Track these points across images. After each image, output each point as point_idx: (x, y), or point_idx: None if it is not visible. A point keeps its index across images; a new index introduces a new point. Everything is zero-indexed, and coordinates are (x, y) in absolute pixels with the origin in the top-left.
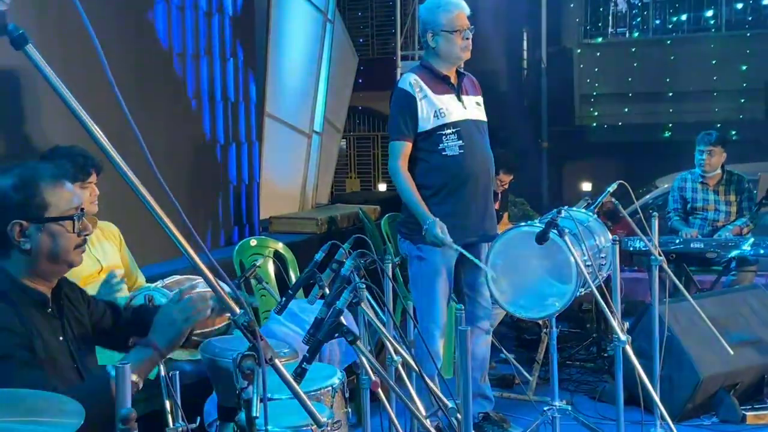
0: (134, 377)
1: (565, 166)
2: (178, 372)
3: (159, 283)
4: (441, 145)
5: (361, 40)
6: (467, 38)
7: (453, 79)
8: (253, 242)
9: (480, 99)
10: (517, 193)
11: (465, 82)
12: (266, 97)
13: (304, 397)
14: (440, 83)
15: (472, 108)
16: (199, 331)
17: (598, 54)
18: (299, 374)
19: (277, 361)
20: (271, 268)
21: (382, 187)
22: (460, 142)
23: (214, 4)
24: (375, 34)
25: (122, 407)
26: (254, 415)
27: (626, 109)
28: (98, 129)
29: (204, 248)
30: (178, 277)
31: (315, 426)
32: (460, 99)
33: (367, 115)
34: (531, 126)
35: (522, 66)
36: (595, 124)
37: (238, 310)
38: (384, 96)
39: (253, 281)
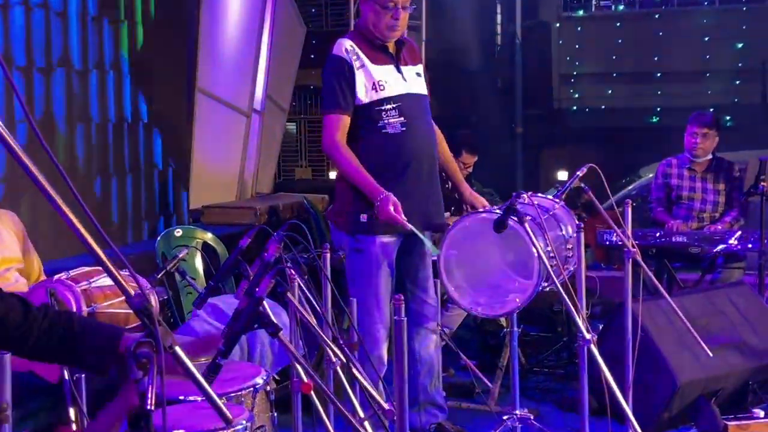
0: None
1: (541, 154)
2: (84, 375)
3: (63, 275)
4: (381, 122)
5: (313, 10)
6: (396, 18)
7: (391, 48)
8: (179, 232)
9: (420, 69)
10: (486, 182)
11: (404, 51)
12: (198, 70)
13: (209, 389)
14: (378, 52)
15: (412, 80)
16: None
17: (580, 29)
18: (212, 370)
19: (178, 348)
20: (199, 261)
21: (335, 175)
22: (402, 118)
23: None
24: (329, 4)
25: None
26: (149, 408)
27: (610, 91)
28: None
29: (104, 236)
30: (86, 268)
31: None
32: (399, 70)
33: (321, 95)
34: (504, 109)
35: (495, 42)
36: (575, 107)
37: (132, 292)
38: None
39: (176, 276)
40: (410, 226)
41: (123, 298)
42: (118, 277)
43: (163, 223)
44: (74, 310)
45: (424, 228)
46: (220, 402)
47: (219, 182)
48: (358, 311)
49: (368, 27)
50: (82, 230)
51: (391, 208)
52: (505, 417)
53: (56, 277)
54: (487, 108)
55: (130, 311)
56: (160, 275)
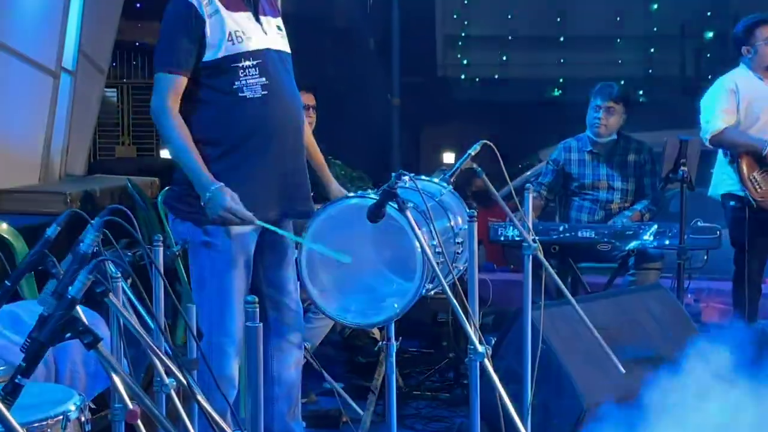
0: None
1: (422, 132)
2: None
3: None
4: (237, 83)
5: None
6: None
7: None
8: None
9: (281, 23)
10: (356, 164)
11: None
12: None
13: (9, 417)
14: None
15: (273, 34)
16: None
17: None
18: (10, 392)
19: None
20: None
21: (167, 153)
22: (263, 79)
23: None
24: None
25: None
26: None
27: (504, 57)
28: None
29: None
30: None
31: None
32: (258, 20)
33: (149, 54)
34: (377, 76)
35: None
36: (463, 76)
37: None
38: None
39: None
40: (261, 223)
41: None
42: None
43: None
44: None
45: (287, 216)
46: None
47: (17, 160)
48: (204, 321)
49: None
50: None
51: (229, 201)
52: None
53: None
54: (357, 74)
55: None
56: None
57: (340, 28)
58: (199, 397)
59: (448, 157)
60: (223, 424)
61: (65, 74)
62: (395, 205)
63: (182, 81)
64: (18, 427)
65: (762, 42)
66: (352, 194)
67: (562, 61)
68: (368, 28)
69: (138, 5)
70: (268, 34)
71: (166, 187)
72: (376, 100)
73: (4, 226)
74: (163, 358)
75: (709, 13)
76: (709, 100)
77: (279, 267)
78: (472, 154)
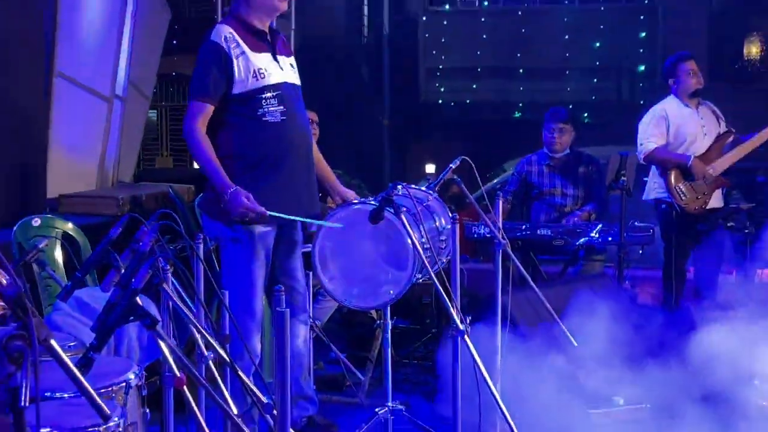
0: None
1: (408, 147)
2: None
3: None
4: (261, 110)
5: None
6: None
7: (268, 37)
8: (36, 221)
9: (293, 61)
10: (354, 174)
11: (278, 42)
12: (56, 53)
13: (86, 385)
14: (257, 40)
15: (288, 70)
16: None
17: (445, 23)
18: (84, 365)
19: (53, 342)
20: (58, 252)
21: None
22: (282, 107)
23: None
24: None
25: None
26: (22, 405)
27: (475, 86)
28: None
29: None
30: None
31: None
32: (276, 59)
33: (183, 82)
34: (371, 101)
35: (362, 33)
36: (441, 101)
37: (3, 281)
38: None
39: (35, 267)
40: (270, 213)
41: None
42: None
43: (17, 212)
44: None
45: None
46: (97, 397)
47: (78, 170)
48: (231, 303)
49: (251, 7)
50: None
51: (245, 200)
52: (377, 410)
53: None
54: (354, 100)
55: None
56: (17, 266)
57: (340, 60)
58: (236, 367)
59: (430, 168)
60: (255, 389)
61: (117, 100)
62: (392, 210)
63: (210, 108)
64: (93, 392)
65: (683, 74)
66: (355, 201)
67: (521, 88)
68: (363, 61)
69: (174, 42)
70: (284, 70)
71: (201, 193)
72: (369, 121)
73: (70, 225)
74: (205, 334)
75: (641, 50)
76: (643, 125)
77: (290, 258)
78: (453, 167)
